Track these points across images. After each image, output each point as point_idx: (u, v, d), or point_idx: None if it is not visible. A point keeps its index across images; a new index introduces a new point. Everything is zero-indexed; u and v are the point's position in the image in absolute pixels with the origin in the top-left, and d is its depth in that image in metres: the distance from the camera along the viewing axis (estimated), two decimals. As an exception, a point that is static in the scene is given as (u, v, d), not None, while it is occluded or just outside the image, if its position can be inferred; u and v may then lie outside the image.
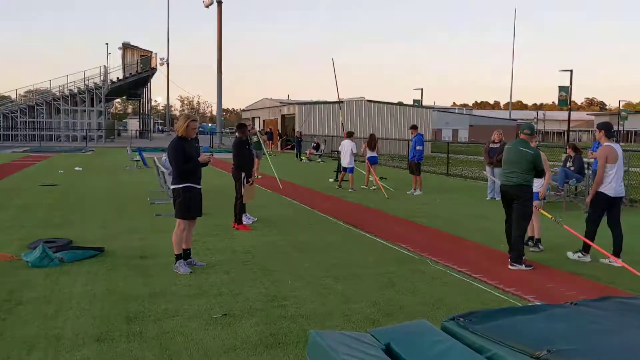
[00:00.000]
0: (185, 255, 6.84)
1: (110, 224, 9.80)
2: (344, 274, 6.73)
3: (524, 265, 7.18)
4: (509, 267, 7.26)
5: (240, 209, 9.60)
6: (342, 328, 4.90)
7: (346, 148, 16.30)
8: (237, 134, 9.95)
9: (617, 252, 7.44)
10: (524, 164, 7.24)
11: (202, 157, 6.71)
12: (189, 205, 6.63)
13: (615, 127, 8.79)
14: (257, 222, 10.08)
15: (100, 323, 4.95)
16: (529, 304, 5.38)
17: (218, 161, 25.02)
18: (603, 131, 7.64)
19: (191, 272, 6.63)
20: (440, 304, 5.65)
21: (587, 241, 7.50)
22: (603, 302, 3.83)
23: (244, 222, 9.67)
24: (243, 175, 9.52)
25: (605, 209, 7.58)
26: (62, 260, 6.94)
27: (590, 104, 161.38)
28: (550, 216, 8.01)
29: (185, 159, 6.54)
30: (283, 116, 44.75)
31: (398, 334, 3.40)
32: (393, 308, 5.50)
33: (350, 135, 16.72)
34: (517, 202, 7.32)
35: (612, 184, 7.47)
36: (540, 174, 7.42)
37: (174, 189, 6.69)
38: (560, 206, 12.53)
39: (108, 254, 7.48)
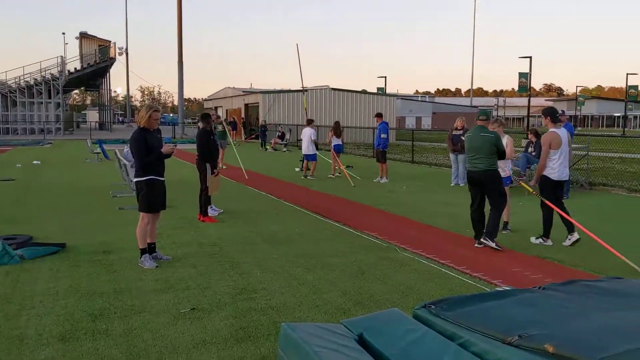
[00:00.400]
0: (150, 249, 6.70)
1: (71, 218, 9.54)
2: (313, 263, 6.70)
3: (494, 244, 7.32)
4: (482, 240, 7.47)
5: (205, 201, 9.47)
6: (313, 319, 4.88)
7: (306, 136, 16.24)
8: (200, 124, 9.78)
9: (570, 229, 7.69)
10: (486, 148, 7.52)
11: (165, 148, 6.56)
12: (152, 198, 6.49)
13: (560, 112, 9.01)
14: (223, 213, 9.97)
15: (64, 321, 4.81)
16: (498, 289, 5.45)
17: (181, 152, 24.68)
18: (549, 117, 7.80)
19: (157, 266, 6.50)
20: (410, 291, 5.68)
21: (565, 216, 7.58)
22: (569, 286, 3.89)
23: (209, 214, 9.54)
24: (208, 166, 9.37)
25: (552, 191, 7.73)
26: (23, 257, 6.73)
27: (549, 90, 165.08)
28: (531, 189, 8.21)
29: (148, 150, 6.39)
30: (246, 105, 44.33)
31: (370, 323, 3.39)
32: (363, 297, 5.51)
33: (310, 122, 16.69)
34: (488, 187, 7.60)
35: (555, 169, 7.64)
36: (502, 155, 7.73)
37: (137, 181, 6.54)
38: (523, 190, 12.73)
39: (70, 249, 7.28)
